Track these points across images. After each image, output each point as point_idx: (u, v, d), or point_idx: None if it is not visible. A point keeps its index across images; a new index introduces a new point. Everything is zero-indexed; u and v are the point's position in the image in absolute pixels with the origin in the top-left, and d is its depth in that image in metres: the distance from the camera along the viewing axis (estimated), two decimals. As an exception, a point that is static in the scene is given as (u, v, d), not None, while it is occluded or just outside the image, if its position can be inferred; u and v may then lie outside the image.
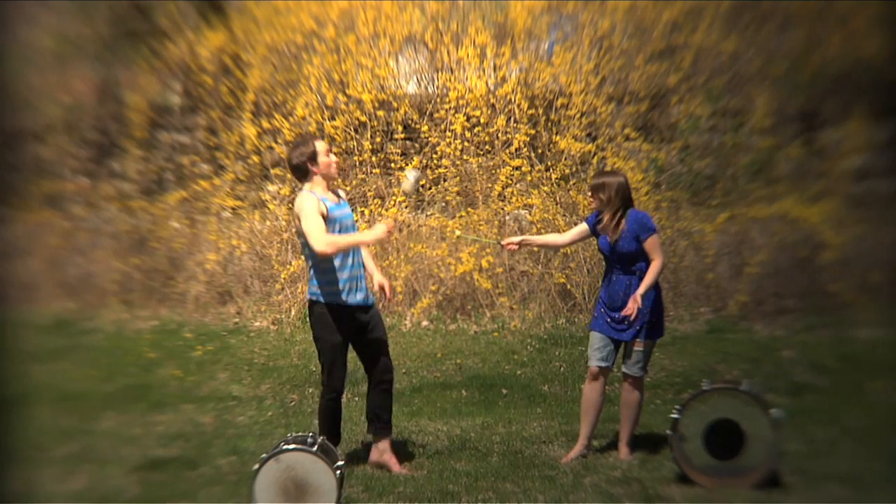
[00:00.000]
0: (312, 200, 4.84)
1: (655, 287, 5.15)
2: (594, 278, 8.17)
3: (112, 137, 9.77)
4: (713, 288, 8.57)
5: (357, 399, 6.66)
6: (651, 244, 5.07)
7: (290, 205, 9.00)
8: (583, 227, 5.37)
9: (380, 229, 4.97)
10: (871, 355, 7.27)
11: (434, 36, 9.02)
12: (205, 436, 5.79)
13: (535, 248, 8.33)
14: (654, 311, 5.13)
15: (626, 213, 5.12)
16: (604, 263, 5.41)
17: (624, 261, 5.12)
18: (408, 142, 8.97)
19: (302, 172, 4.96)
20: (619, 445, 5.31)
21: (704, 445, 4.71)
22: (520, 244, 5.47)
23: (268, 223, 9.05)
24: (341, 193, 5.17)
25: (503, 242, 5.49)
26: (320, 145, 4.99)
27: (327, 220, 4.84)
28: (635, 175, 8.38)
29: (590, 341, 5.27)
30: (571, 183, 8.64)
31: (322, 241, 4.72)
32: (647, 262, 5.09)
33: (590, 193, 5.23)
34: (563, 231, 8.33)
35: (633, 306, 4.98)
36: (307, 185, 4.97)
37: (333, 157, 5.04)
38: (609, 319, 5.16)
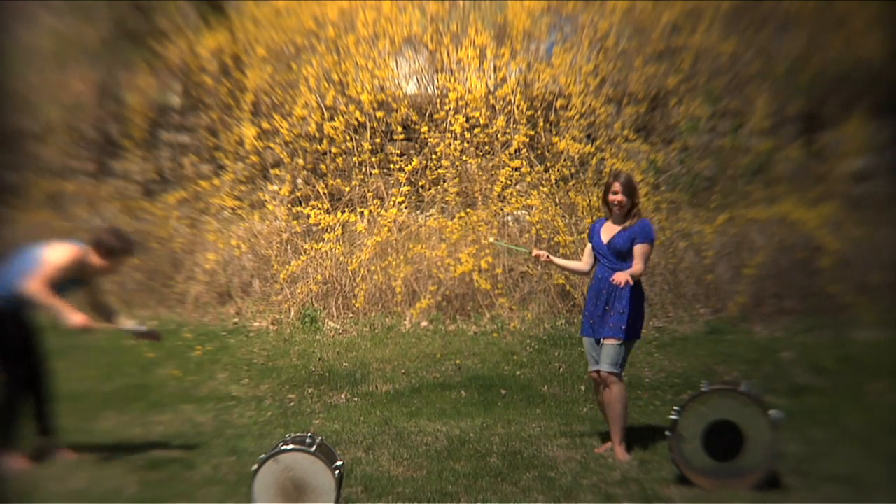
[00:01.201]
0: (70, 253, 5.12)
1: (634, 290, 5.22)
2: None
3: (112, 137, 9.78)
4: (712, 289, 8.58)
5: (356, 399, 6.67)
6: (640, 250, 5.21)
7: (290, 205, 9.01)
8: (589, 247, 5.49)
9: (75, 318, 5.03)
10: (871, 357, 7.29)
11: (434, 37, 9.04)
12: (204, 436, 5.79)
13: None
14: (629, 313, 5.19)
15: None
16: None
17: (615, 256, 5.24)
18: (407, 142, 8.97)
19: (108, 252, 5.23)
20: (613, 447, 5.31)
21: (703, 446, 4.71)
22: (548, 259, 5.55)
23: (267, 223, 9.05)
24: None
25: (534, 252, 5.61)
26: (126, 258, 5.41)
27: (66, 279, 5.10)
28: (634, 176, 8.38)
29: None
30: (571, 184, 8.64)
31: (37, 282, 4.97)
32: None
33: (623, 193, 5.24)
34: (562, 232, 8.38)
35: (621, 277, 5.05)
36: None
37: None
38: (591, 321, 5.31)
